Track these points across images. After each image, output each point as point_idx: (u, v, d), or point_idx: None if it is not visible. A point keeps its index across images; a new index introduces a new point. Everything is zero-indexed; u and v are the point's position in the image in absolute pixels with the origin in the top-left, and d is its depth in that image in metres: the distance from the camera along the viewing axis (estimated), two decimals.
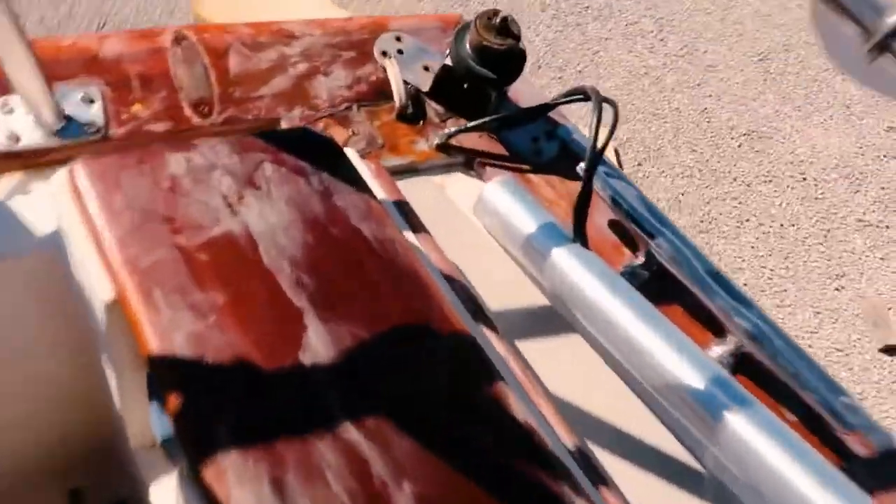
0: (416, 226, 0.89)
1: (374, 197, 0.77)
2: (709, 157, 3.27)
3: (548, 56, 3.45)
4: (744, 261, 2.97)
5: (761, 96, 3.56)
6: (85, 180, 0.68)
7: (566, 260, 0.96)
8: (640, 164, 3.22)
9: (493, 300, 0.96)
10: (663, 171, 3.23)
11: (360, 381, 0.64)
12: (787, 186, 3.24)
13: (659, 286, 1.03)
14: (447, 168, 1.08)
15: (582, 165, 0.99)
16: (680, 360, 0.90)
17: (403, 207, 0.89)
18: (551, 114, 1.14)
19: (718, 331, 1.01)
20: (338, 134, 1.02)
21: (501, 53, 1.01)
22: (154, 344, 0.61)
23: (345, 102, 1.06)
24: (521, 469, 0.64)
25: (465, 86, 1.05)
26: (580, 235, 0.97)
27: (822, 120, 3.51)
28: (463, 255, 0.97)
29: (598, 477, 0.77)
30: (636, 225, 1.02)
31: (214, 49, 1.02)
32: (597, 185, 1.05)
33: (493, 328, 0.85)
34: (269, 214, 0.71)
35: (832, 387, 0.98)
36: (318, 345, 0.64)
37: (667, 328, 0.93)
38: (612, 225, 1.09)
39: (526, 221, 0.99)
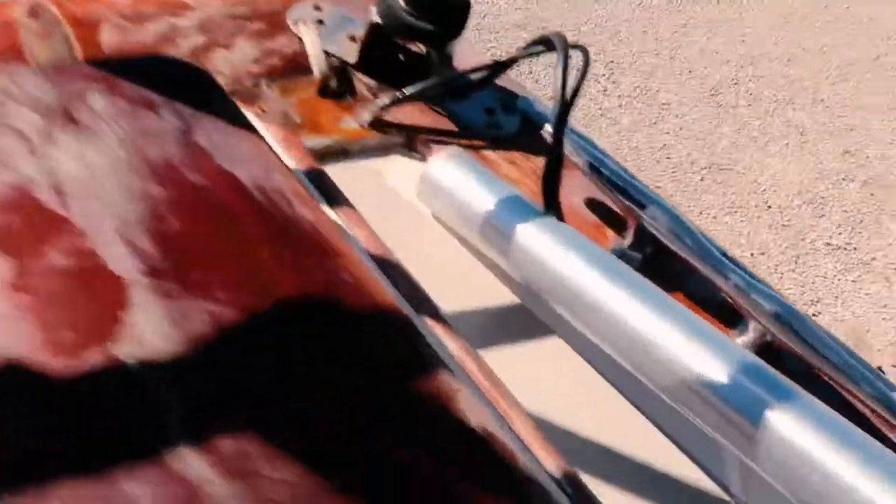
0: (338, 200, 0.68)
1: (264, 140, 0.57)
2: (672, 193, 3.18)
3: None
4: None
5: (717, 130, 3.52)
6: None
7: (537, 237, 0.75)
8: None
9: (448, 300, 0.75)
10: None
11: (215, 383, 0.41)
12: (753, 216, 3.16)
13: (656, 269, 0.82)
14: (384, 149, 0.88)
15: (549, 128, 0.80)
16: (701, 352, 0.69)
17: (320, 178, 0.69)
18: (509, 84, 0.96)
19: (735, 317, 0.81)
20: (259, 115, 0.82)
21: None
22: None
23: (254, 79, 0.87)
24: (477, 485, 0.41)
25: (399, 48, 0.87)
26: (553, 208, 0.77)
27: (778, 149, 3.48)
28: (409, 249, 0.75)
29: (587, 499, 0.55)
30: (622, 196, 0.83)
31: (80, 21, 0.82)
32: (568, 154, 0.86)
33: (442, 321, 0.64)
34: (92, 157, 0.50)
35: (887, 382, 0.78)
36: (147, 331, 0.41)
37: (679, 312, 0.72)
38: (591, 204, 0.89)
39: (482, 198, 0.79)
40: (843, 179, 3.38)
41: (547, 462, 0.56)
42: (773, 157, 3.40)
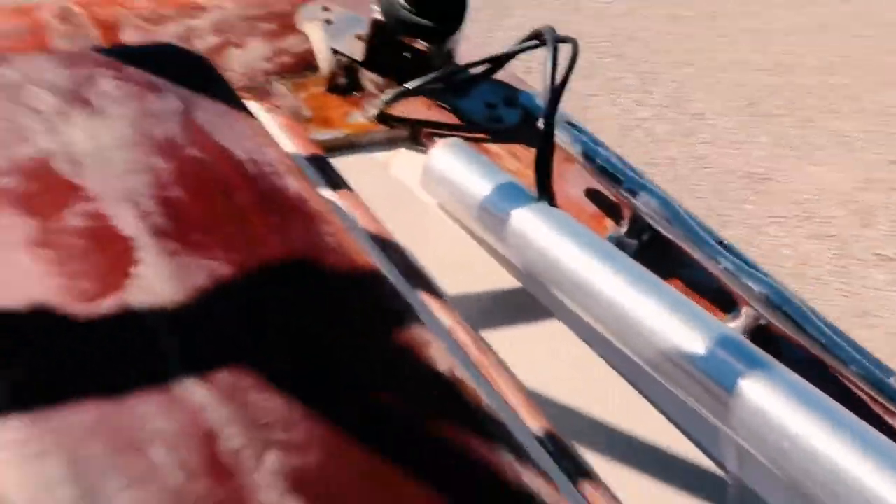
0: (339, 184, 0.72)
1: (260, 124, 0.60)
2: (711, 203, 3.13)
3: None
4: None
5: (755, 139, 3.47)
6: None
7: (531, 222, 0.77)
8: None
9: (449, 282, 0.78)
10: None
11: (213, 326, 0.45)
12: (795, 226, 3.09)
13: (652, 256, 0.84)
14: (390, 143, 0.91)
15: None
16: (685, 330, 0.70)
17: (321, 163, 0.72)
18: (510, 80, 0.98)
19: (729, 302, 0.81)
20: (271, 107, 0.87)
21: None
22: None
23: (265, 77, 0.91)
24: (457, 440, 0.44)
25: (403, 45, 0.91)
26: (545, 193, 0.79)
27: (822, 158, 3.41)
28: (412, 234, 0.79)
29: (577, 468, 0.56)
30: (617, 185, 0.84)
31: (104, 23, 0.88)
32: (566, 145, 0.88)
33: (435, 294, 0.66)
34: (102, 134, 0.54)
35: (881, 366, 0.77)
36: (154, 281, 0.46)
37: (667, 293, 0.73)
38: (589, 193, 0.91)
39: (480, 185, 0.81)
40: (892, 189, 3.29)
41: (530, 421, 0.58)
42: (815, 166, 3.33)
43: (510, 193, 0.80)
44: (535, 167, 0.80)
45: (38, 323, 0.43)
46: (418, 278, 0.67)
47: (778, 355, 0.76)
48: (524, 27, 0.90)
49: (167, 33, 0.90)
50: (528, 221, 0.78)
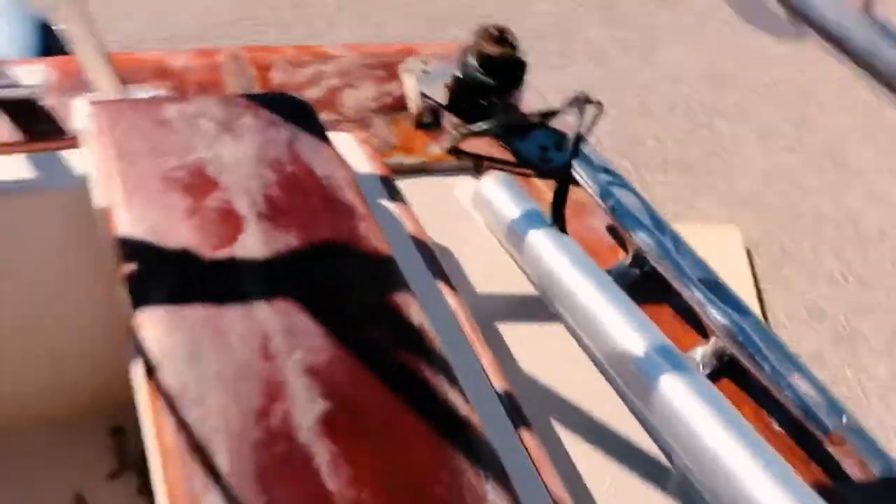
0: (395, 195, 0.97)
1: (336, 152, 0.88)
2: (855, 265, 3.03)
3: (676, 154, 3.45)
4: None
5: None
6: (98, 113, 0.85)
7: (541, 242, 0.99)
8: (776, 266, 3.06)
9: (477, 282, 1.01)
10: (801, 275, 3.05)
11: (280, 275, 0.74)
12: None
13: (648, 287, 1.02)
14: (457, 171, 1.16)
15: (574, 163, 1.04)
16: (644, 348, 0.89)
17: (385, 181, 0.98)
18: (564, 128, 1.19)
19: (704, 333, 0.98)
20: (360, 137, 1.15)
21: (498, 60, 1.10)
22: (123, 230, 0.74)
23: (369, 112, 1.19)
24: (406, 365, 0.68)
25: (480, 95, 1.15)
26: (558, 221, 1.00)
27: None
28: (460, 245, 1.04)
29: (520, 418, 0.77)
30: (625, 227, 1.04)
31: (261, 65, 1.20)
32: (594, 189, 1.09)
33: (451, 287, 0.90)
34: (237, 150, 0.84)
35: (832, 404, 0.91)
36: (251, 242, 0.75)
37: (635, 315, 0.92)
38: (610, 229, 1.10)
39: (513, 209, 1.04)
40: None
41: (493, 375, 0.80)
42: None
43: (532, 219, 1.03)
44: (553, 198, 1.02)
45: (184, 256, 0.73)
46: (437, 271, 0.91)
47: (739, 382, 0.92)
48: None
49: (303, 75, 1.20)
50: (539, 242, 1.00)
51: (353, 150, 0.98)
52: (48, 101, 1.08)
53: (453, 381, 0.68)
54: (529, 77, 1.16)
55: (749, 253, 2.97)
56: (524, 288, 1.03)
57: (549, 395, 0.92)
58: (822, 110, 3.74)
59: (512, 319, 1.00)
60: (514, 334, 0.96)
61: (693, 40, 3.96)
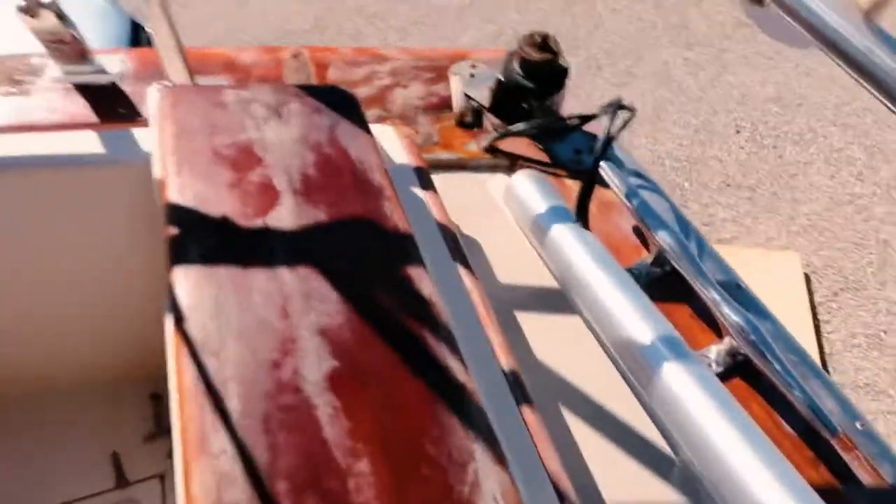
0: (427, 184, 1.05)
1: (373, 139, 0.95)
2: None
3: (738, 176, 3.42)
4: None
5: None
6: (164, 97, 0.95)
7: (564, 237, 1.04)
8: (835, 294, 3.00)
9: (503, 274, 1.07)
10: (863, 305, 2.98)
11: (305, 244, 0.81)
12: None
13: (668, 286, 1.06)
14: (492, 169, 1.22)
15: (603, 164, 1.09)
16: (646, 334, 0.93)
17: (419, 171, 1.06)
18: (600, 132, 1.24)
19: (719, 333, 1.01)
20: (403, 131, 1.23)
21: (540, 65, 1.16)
22: (171, 197, 0.84)
23: (415, 110, 1.27)
24: (411, 332, 0.75)
25: (520, 97, 1.22)
26: (581, 217, 1.05)
27: None
28: (487, 236, 1.10)
29: (523, 396, 0.83)
30: (649, 227, 1.08)
31: (320, 63, 1.30)
32: (621, 190, 1.13)
33: (469, 270, 0.96)
34: (282, 133, 0.93)
35: (847, 408, 0.93)
36: (285, 213, 0.83)
37: (649, 312, 0.96)
38: (635, 229, 1.15)
39: (541, 206, 1.10)
40: None
41: (499, 353, 0.86)
42: None
43: (557, 215, 1.08)
44: (578, 194, 1.07)
45: (222, 222, 0.82)
46: (457, 253, 0.97)
47: (752, 383, 0.96)
48: None
49: (358, 73, 1.29)
50: (562, 237, 1.05)
51: (392, 142, 1.06)
52: (128, 87, 1.20)
53: (455, 351, 0.74)
54: (572, 83, 1.22)
55: (808, 279, 2.92)
56: (545, 280, 1.08)
57: (557, 381, 0.97)
58: None
59: (529, 308, 1.05)
60: (530, 322, 1.02)
61: (762, 65, 3.91)
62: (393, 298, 0.77)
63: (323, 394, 0.68)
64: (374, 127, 0.99)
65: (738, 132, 3.62)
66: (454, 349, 0.75)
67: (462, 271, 0.93)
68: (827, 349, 2.75)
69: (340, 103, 0.99)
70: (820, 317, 2.86)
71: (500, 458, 0.68)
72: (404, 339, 0.74)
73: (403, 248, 0.83)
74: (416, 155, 1.10)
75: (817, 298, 2.94)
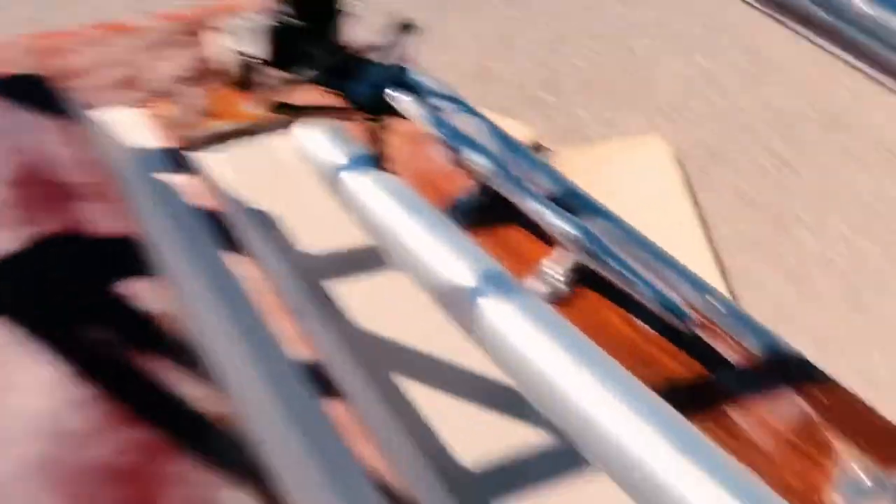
0: (182, 168, 0.88)
1: (84, 132, 0.78)
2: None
3: (597, 79, 3.38)
4: None
5: None
6: None
7: (363, 188, 0.90)
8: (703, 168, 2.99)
9: (310, 244, 0.93)
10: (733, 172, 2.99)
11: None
12: None
13: (496, 211, 0.94)
14: (282, 128, 1.06)
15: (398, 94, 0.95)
16: (463, 273, 0.80)
17: (170, 153, 0.89)
18: (403, 62, 1.10)
19: (552, 247, 0.90)
20: (161, 108, 1.04)
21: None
22: None
23: (180, 83, 1.09)
24: (131, 364, 0.60)
25: (297, 42, 1.05)
26: (380, 161, 0.91)
27: None
28: (287, 207, 0.95)
29: (329, 390, 0.69)
30: (466, 154, 0.95)
31: (46, 51, 1.09)
32: (427, 119, 0.99)
33: (249, 257, 0.81)
34: None
35: (700, 287, 0.84)
36: None
37: (457, 242, 0.83)
38: (454, 160, 1.02)
39: (335, 158, 0.95)
40: None
41: (304, 355, 0.72)
42: None
43: (355, 164, 0.93)
44: (371, 140, 0.93)
45: None
46: (231, 244, 0.82)
47: (599, 290, 0.85)
48: None
49: (112, 52, 1.10)
50: (365, 189, 0.91)
51: (135, 126, 0.89)
52: None
53: (197, 367, 0.59)
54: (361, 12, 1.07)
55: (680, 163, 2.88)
56: (357, 241, 0.94)
57: (391, 349, 0.84)
58: None
59: (345, 275, 0.91)
60: (350, 290, 0.88)
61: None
62: (105, 328, 0.61)
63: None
64: (106, 113, 0.81)
65: (591, 38, 3.57)
66: (196, 366, 0.60)
67: (236, 260, 0.78)
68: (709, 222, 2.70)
69: (37, 94, 0.81)
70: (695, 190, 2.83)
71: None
72: (122, 376, 0.58)
73: (121, 262, 0.67)
74: (168, 137, 0.93)
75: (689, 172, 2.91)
